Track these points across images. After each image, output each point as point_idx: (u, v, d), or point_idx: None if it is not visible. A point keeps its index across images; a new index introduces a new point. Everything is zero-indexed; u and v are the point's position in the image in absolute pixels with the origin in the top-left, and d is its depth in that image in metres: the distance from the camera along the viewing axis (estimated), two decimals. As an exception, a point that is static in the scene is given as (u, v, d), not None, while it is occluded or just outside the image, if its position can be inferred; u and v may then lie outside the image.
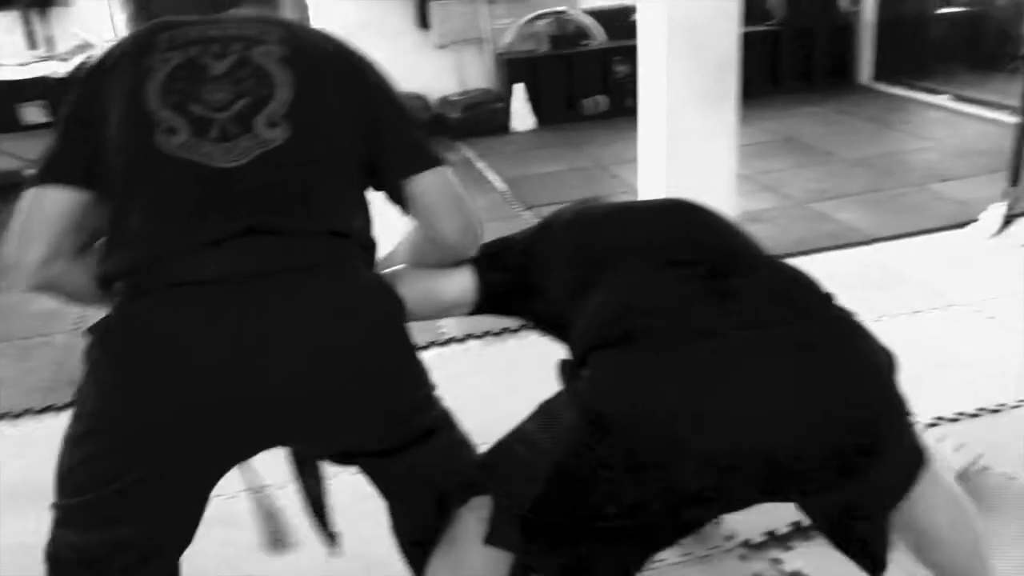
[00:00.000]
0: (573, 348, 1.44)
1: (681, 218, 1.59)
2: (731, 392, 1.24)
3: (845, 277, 3.44)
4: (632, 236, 1.52)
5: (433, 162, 1.45)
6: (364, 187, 1.45)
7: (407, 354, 1.38)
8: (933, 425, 2.48)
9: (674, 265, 1.41)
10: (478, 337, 3.21)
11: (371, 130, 1.42)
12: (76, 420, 1.29)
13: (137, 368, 1.22)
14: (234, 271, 1.24)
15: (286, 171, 1.32)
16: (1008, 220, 3.80)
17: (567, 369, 1.41)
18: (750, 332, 1.28)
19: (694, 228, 1.55)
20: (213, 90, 1.33)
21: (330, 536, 1.55)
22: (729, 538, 2.08)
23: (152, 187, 1.30)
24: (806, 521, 2.00)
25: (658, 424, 1.24)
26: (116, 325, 1.25)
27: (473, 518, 1.37)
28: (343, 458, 1.46)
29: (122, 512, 1.27)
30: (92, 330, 1.27)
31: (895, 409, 1.34)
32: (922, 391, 2.60)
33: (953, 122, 5.91)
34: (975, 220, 3.93)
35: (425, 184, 1.43)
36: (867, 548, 1.40)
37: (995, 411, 2.54)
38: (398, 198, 1.45)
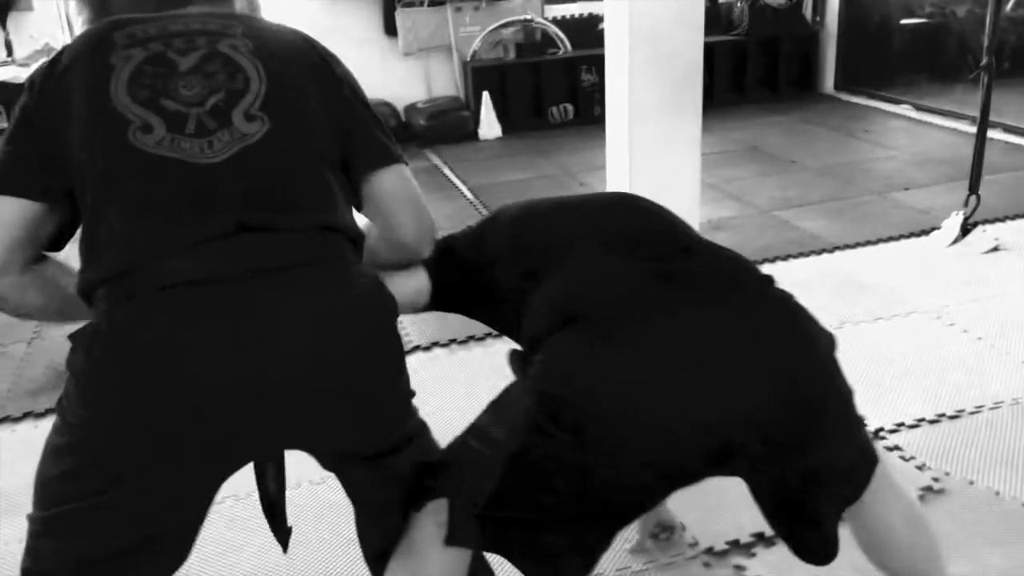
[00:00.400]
0: (524, 339, 1.44)
1: (624, 209, 1.62)
2: (678, 367, 1.25)
3: (808, 284, 3.49)
4: (576, 227, 1.53)
5: (395, 159, 1.43)
6: (344, 180, 1.40)
7: (399, 355, 1.35)
8: (894, 431, 2.51)
9: (618, 250, 1.43)
10: (444, 346, 3.20)
11: (342, 123, 1.39)
12: (62, 429, 1.23)
13: (133, 374, 1.17)
14: (227, 270, 1.20)
15: (271, 166, 1.29)
16: (967, 228, 3.86)
17: (517, 359, 1.41)
18: (695, 310, 1.30)
19: (636, 217, 1.58)
20: (184, 85, 1.29)
21: (284, 537, 1.52)
22: (693, 545, 2.08)
23: (131, 187, 1.24)
24: (769, 530, 2.02)
25: (608, 401, 1.24)
26: (106, 332, 1.19)
27: (430, 522, 1.36)
28: (331, 461, 1.42)
29: (116, 523, 1.22)
30: (77, 337, 1.21)
31: (840, 389, 1.35)
32: (883, 397, 2.66)
33: (915, 131, 6.00)
34: (936, 228, 3.99)
35: (386, 181, 1.41)
36: (816, 535, 1.40)
37: (954, 417, 2.56)
38: (357, 194, 1.43)
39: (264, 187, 1.27)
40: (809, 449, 1.31)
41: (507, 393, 1.39)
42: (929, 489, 2.24)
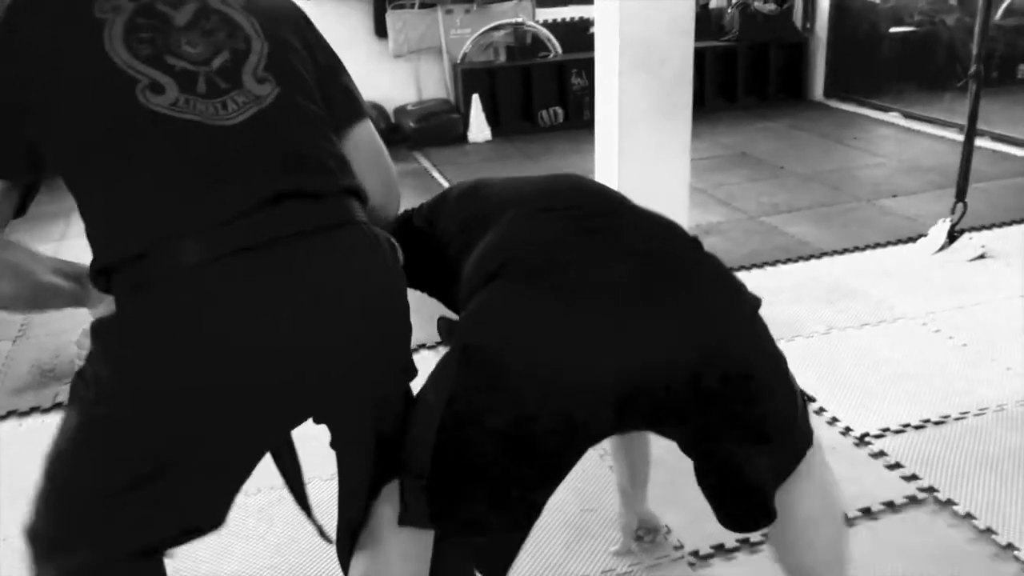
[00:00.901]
0: (459, 307, 1.44)
1: (565, 182, 1.63)
2: (596, 315, 1.24)
3: (795, 290, 3.49)
4: (515, 198, 1.54)
5: (365, 113, 1.41)
6: (336, 138, 1.37)
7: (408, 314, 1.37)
8: (879, 436, 2.52)
9: (546, 211, 1.44)
10: (430, 348, 3.20)
11: (322, 80, 1.36)
12: (95, 419, 1.18)
13: (197, 347, 1.13)
14: (271, 236, 1.16)
15: (289, 129, 1.25)
16: (954, 235, 3.88)
17: (445, 324, 1.41)
18: (616, 263, 1.30)
19: (571, 186, 1.59)
20: (188, 42, 1.22)
21: (317, 526, 1.50)
22: (678, 548, 2.09)
23: (152, 152, 1.16)
24: (754, 535, 2.03)
25: (523, 350, 1.24)
26: (164, 308, 1.12)
27: (387, 506, 1.35)
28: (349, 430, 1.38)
29: (166, 507, 1.20)
30: (114, 326, 1.16)
31: (763, 346, 1.34)
32: (869, 403, 2.68)
33: (903, 139, 6.03)
34: (923, 235, 4.01)
35: (358, 137, 1.39)
36: (753, 499, 1.38)
37: (939, 423, 2.57)
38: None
39: (289, 151, 1.24)
40: (739, 403, 1.29)
41: (442, 357, 1.38)
42: (913, 499, 2.24)
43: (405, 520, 1.33)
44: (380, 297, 1.27)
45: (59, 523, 1.23)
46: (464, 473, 1.30)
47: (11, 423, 2.83)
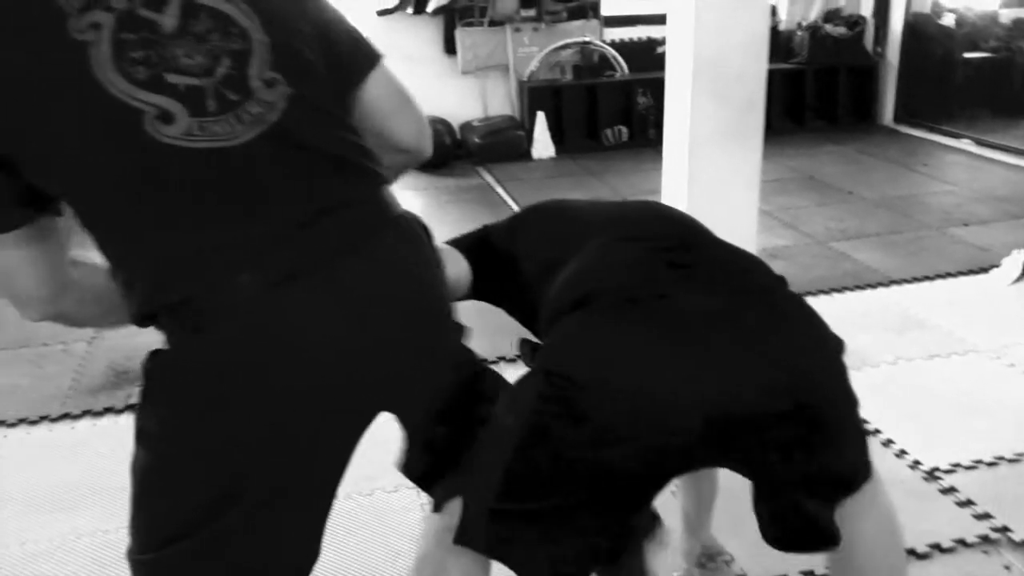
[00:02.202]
0: (541, 329, 1.45)
1: (647, 210, 1.63)
2: (683, 349, 1.24)
3: (863, 318, 3.44)
4: (598, 223, 1.55)
5: (377, 56, 1.30)
6: (355, 124, 1.28)
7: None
8: (949, 472, 2.46)
9: (632, 240, 1.44)
10: (493, 363, 3.22)
11: (328, 39, 1.23)
12: (165, 457, 1.16)
13: (266, 375, 1.12)
14: (317, 259, 1.13)
15: (309, 133, 1.16)
16: (1029, 267, 3.79)
17: (527, 347, 1.42)
18: (704, 297, 1.30)
19: (656, 215, 1.59)
20: (183, 54, 1.07)
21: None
22: (741, 577, 2.07)
23: (175, 194, 1.08)
24: (819, 568, 2.00)
25: (610, 380, 1.23)
26: (224, 351, 1.10)
27: (444, 523, 1.36)
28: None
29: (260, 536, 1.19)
30: (173, 368, 1.13)
31: (847, 390, 1.33)
32: (939, 437, 2.62)
33: (974, 166, 5.90)
34: (995, 265, 3.92)
35: (376, 86, 1.28)
36: (814, 527, 1.36)
37: (1014, 460, 2.51)
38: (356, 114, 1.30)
39: (314, 159, 1.16)
40: (814, 445, 1.28)
41: (519, 381, 1.38)
42: (985, 538, 2.19)
43: (460, 539, 1.33)
44: (429, 294, 1.29)
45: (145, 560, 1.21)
46: (530, 503, 1.29)
47: (86, 422, 2.92)
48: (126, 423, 2.88)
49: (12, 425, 2.90)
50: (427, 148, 1.39)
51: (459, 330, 1.38)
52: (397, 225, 1.27)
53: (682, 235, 1.50)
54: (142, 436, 1.19)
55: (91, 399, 3.06)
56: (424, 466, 1.40)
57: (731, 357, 1.24)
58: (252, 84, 1.11)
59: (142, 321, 1.16)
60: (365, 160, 1.24)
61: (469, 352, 1.41)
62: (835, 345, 1.34)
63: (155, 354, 1.17)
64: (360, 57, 1.28)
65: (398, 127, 1.32)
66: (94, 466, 2.62)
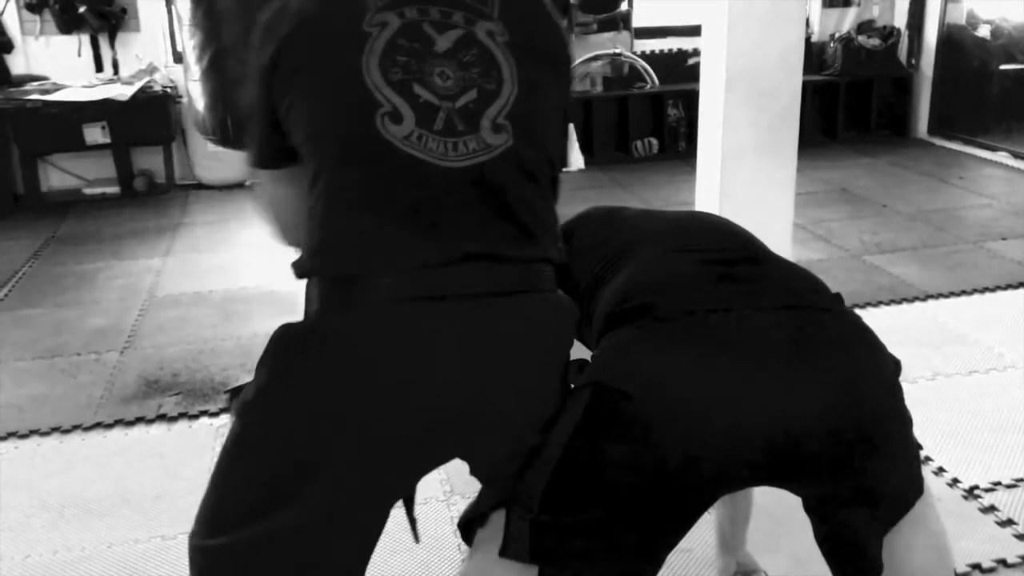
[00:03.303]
0: (591, 339, 1.43)
1: (699, 220, 1.62)
2: (737, 366, 1.22)
3: (899, 333, 3.40)
4: (650, 232, 1.53)
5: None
6: (557, 191, 1.38)
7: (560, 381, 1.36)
8: (989, 490, 2.41)
9: (686, 252, 1.42)
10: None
11: (566, 115, 1.37)
12: (270, 429, 1.21)
13: (370, 377, 1.17)
14: (450, 292, 1.19)
15: (506, 186, 1.24)
16: (1069, 282, 3.72)
17: (575, 365, 1.40)
18: (759, 312, 1.27)
19: (710, 227, 1.58)
20: (440, 73, 1.22)
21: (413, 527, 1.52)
22: (776, 596, 2.03)
23: (372, 181, 1.20)
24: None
25: (663, 392, 1.21)
26: (338, 334, 1.19)
27: (489, 537, 1.34)
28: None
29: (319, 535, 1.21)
30: (306, 333, 1.21)
31: (903, 411, 1.31)
32: (977, 455, 2.57)
33: (1012, 180, 5.82)
34: (1034, 281, 3.86)
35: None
36: (861, 556, 1.33)
37: (1055, 479, 2.46)
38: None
39: (499, 210, 1.24)
40: (867, 466, 1.26)
41: (567, 399, 1.36)
42: (1028, 555, 2.14)
43: (505, 552, 1.31)
44: (550, 360, 1.29)
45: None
46: (575, 516, 1.27)
47: (118, 432, 2.93)
48: (157, 433, 2.90)
49: (45, 434, 2.92)
50: None
51: (560, 398, 1.34)
52: (547, 294, 1.30)
53: (737, 248, 1.48)
54: (251, 402, 1.22)
55: (123, 408, 3.08)
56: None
57: (789, 375, 1.21)
58: (482, 123, 1.22)
59: (307, 272, 1.25)
60: (542, 232, 1.29)
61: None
62: (892, 365, 1.31)
63: (288, 325, 1.24)
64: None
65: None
66: (126, 476, 2.63)
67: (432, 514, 2.33)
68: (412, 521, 1.49)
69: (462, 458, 1.34)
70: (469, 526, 1.42)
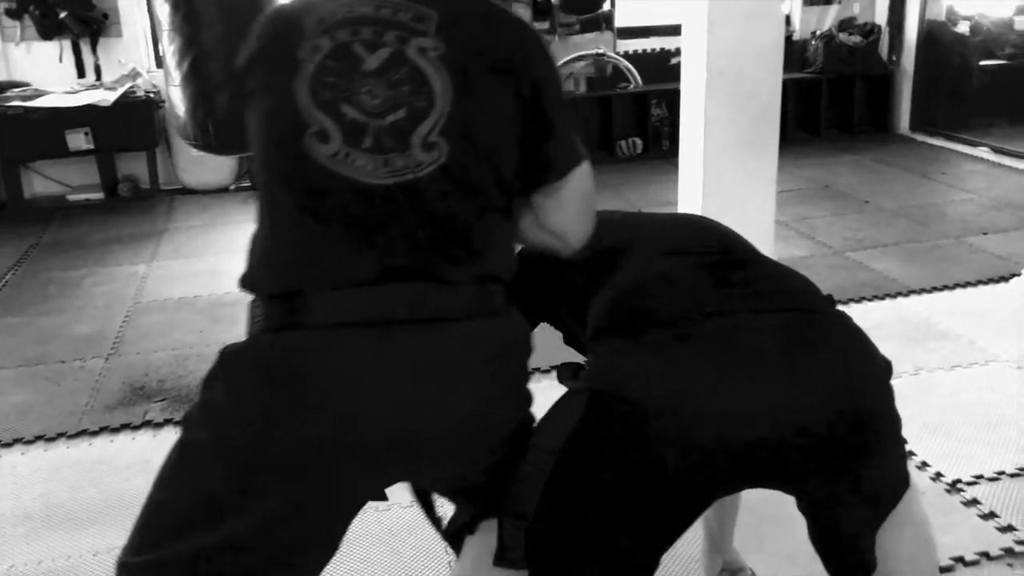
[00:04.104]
0: (583, 344, 1.43)
1: (690, 223, 1.63)
2: (735, 369, 1.22)
3: (882, 328, 3.41)
4: (641, 235, 1.54)
5: (580, 159, 1.34)
6: (513, 201, 1.32)
7: (524, 401, 1.35)
8: (972, 483, 2.43)
9: (679, 254, 1.42)
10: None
11: (531, 134, 1.29)
12: (201, 445, 1.20)
13: (299, 400, 1.16)
14: (384, 317, 1.18)
15: (440, 204, 1.22)
16: (1050, 276, 3.75)
17: (568, 371, 1.40)
18: (755, 315, 1.28)
19: (701, 229, 1.58)
20: (367, 91, 1.22)
21: (438, 526, 1.50)
22: (762, 592, 2.05)
23: (300, 200, 1.22)
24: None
25: (665, 399, 1.21)
26: (274, 355, 1.18)
27: (481, 545, 1.34)
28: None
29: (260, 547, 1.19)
30: (238, 354, 1.21)
31: (891, 411, 1.32)
32: (961, 448, 2.59)
33: (992, 174, 5.86)
34: (1016, 274, 3.89)
35: (569, 188, 1.33)
36: (854, 552, 1.35)
37: (1037, 471, 2.48)
38: (531, 200, 1.35)
39: (436, 229, 1.22)
40: (861, 467, 1.27)
41: (556, 404, 1.36)
42: (1009, 551, 2.16)
43: (500, 561, 1.31)
44: (470, 395, 1.24)
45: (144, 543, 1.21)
46: (571, 523, 1.27)
47: (103, 439, 2.91)
48: (143, 440, 2.89)
49: (30, 442, 2.91)
50: (581, 245, 1.41)
51: (516, 437, 1.33)
52: (491, 320, 1.27)
53: (728, 250, 1.48)
54: (192, 419, 1.23)
55: (108, 416, 3.06)
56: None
57: (786, 378, 1.22)
58: (412, 140, 1.21)
59: (247, 286, 1.26)
60: (486, 249, 1.27)
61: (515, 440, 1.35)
62: (883, 366, 1.33)
63: (232, 346, 1.24)
64: (556, 165, 1.33)
65: (572, 232, 1.37)
66: (111, 483, 2.62)
67: (419, 518, 2.32)
68: (433, 521, 1.49)
69: (411, 482, 1.34)
70: (458, 535, 1.42)
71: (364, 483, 1.26)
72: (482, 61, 1.26)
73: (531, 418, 1.37)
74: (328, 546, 1.28)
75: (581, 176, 1.35)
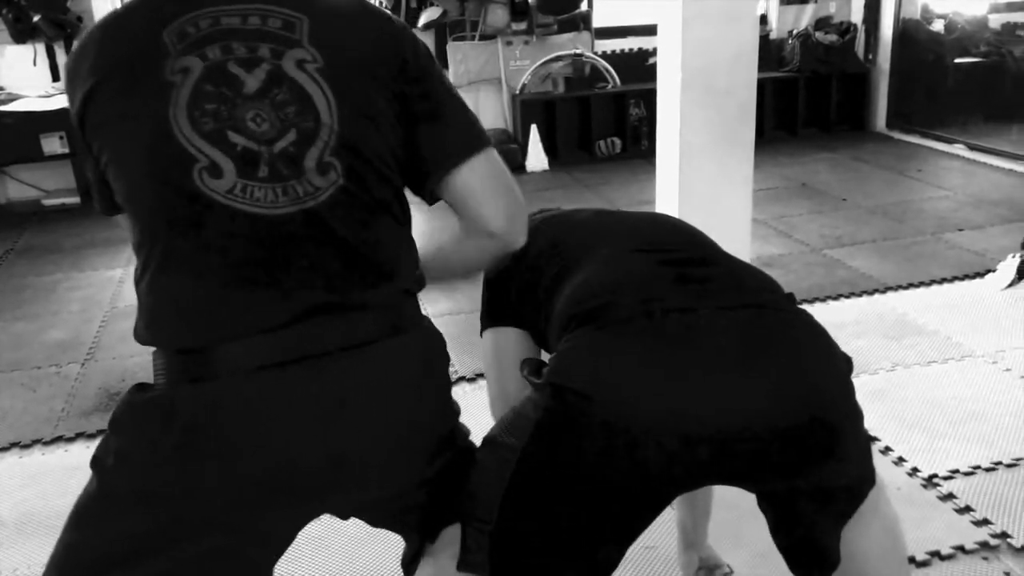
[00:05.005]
0: (550, 342, 1.43)
1: (657, 221, 1.62)
2: (696, 365, 1.22)
3: (859, 325, 3.44)
4: (607, 232, 1.53)
5: (481, 145, 1.29)
6: (408, 213, 1.30)
7: (450, 412, 1.36)
8: (948, 478, 2.45)
9: (643, 252, 1.42)
10: (470, 380, 3.20)
11: (420, 127, 1.25)
12: (115, 493, 1.15)
13: (218, 449, 1.13)
14: (304, 353, 1.14)
15: (345, 228, 1.18)
16: (1024, 271, 3.79)
17: (532, 365, 1.39)
18: (715, 312, 1.28)
19: (666, 227, 1.58)
20: (253, 117, 1.13)
21: None
22: (740, 589, 2.05)
23: (202, 243, 1.13)
24: None
25: (620, 394, 1.21)
26: (192, 407, 1.13)
27: (448, 551, 1.33)
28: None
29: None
30: (148, 406, 1.15)
31: (853, 407, 1.32)
32: (937, 443, 2.61)
33: (968, 171, 5.91)
34: (991, 270, 3.92)
35: (472, 173, 1.28)
36: (815, 549, 1.36)
37: (1012, 465, 2.50)
38: (432, 195, 1.31)
39: (340, 257, 1.18)
40: (823, 464, 1.27)
41: (521, 402, 1.36)
42: (985, 544, 2.18)
43: (463, 567, 1.31)
44: (416, 409, 1.25)
45: None
46: (535, 522, 1.27)
47: (79, 446, 2.89)
48: (120, 445, 2.86)
49: (4, 449, 2.88)
50: (518, 237, 1.36)
51: (445, 448, 1.33)
52: (409, 336, 1.25)
53: (692, 248, 1.48)
54: (106, 467, 1.17)
55: (84, 422, 3.04)
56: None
57: (745, 375, 1.22)
58: (306, 164, 1.15)
59: (148, 343, 1.19)
60: (397, 266, 1.25)
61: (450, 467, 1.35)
62: (844, 362, 1.33)
63: (141, 388, 1.19)
64: (452, 151, 1.27)
65: (488, 212, 1.30)
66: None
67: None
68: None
69: (347, 514, 1.33)
70: (412, 564, 1.41)
71: (299, 519, 1.25)
72: (358, 66, 1.20)
73: (459, 428, 1.38)
74: None
75: (486, 160, 1.30)
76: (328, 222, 1.17)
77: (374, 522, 1.41)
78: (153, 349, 1.20)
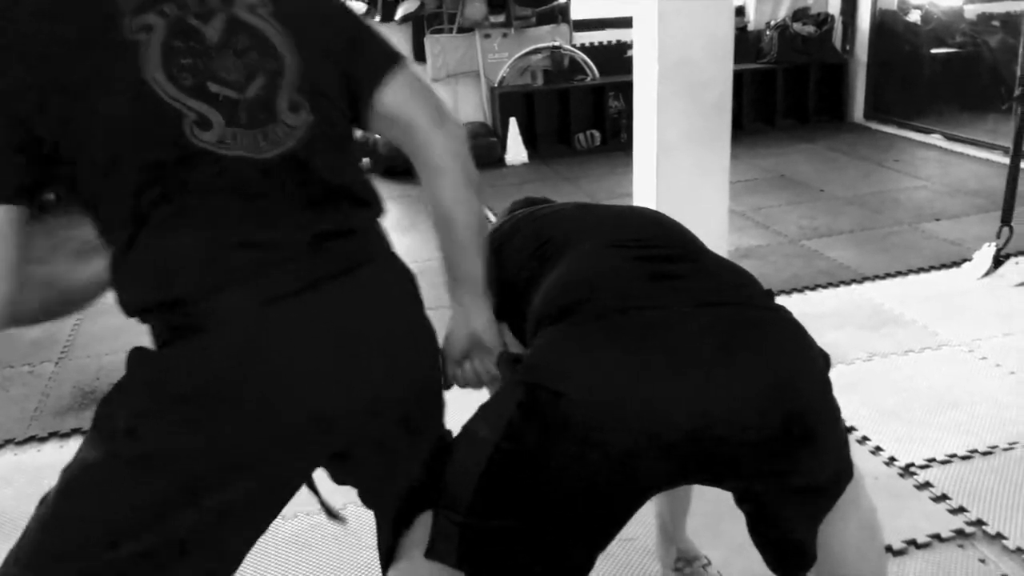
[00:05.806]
0: (526, 336, 1.43)
1: (637, 215, 1.62)
2: (669, 364, 1.21)
3: (836, 315, 3.45)
4: (588, 227, 1.53)
5: (391, 65, 1.32)
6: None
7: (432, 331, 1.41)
8: (924, 467, 2.46)
9: (621, 247, 1.42)
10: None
11: (349, 55, 1.29)
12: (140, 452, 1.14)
13: (249, 386, 1.14)
14: (310, 281, 1.18)
15: (322, 162, 1.22)
16: (1000, 260, 3.81)
17: (507, 360, 1.39)
18: (692, 309, 1.27)
19: (646, 221, 1.57)
20: (223, 67, 1.15)
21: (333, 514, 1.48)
22: (718, 581, 2.05)
23: (201, 196, 1.14)
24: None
25: (598, 394, 1.20)
26: (212, 355, 1.13)
27: (417, 537, 1.33)
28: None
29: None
30: (161, 363, 1.16)
31: (830, 404, 1.33)
32: (913, 432, 2.62)
33: (945, 161, 5.94)
34: (967, 259, 3.94)
35: (396, 90, 1.31)
36: (792, 545, 1.37)
37: (987, 453, 2.51)
38: (367, 115, 1.33)
39: (324, 187, 1.23)
40: (800, 461, 1.27)
41: (496, 393, 1.36)
42: (960, 532, 2.19)
43: (431, 554, 1.30)
44: (405, 331, 1.32)
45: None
46: (505, 517, 1.26)
47: (52, 445, 2.86)
48: (94, 444, 2.83)
49: (-23, 450, 2.85)
50: (452, 124, 1.37)
51: (430, 363, 1.39)
52: (386, 258, 1.33)
53: (670, 243, 1.47)
54: (103, 429, 1.17)
55: (58, 421, 3.01)
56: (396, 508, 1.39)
57: (721, 372, 1.21)
58: (279, 106, 1.19)
59: (133, 314, 1.19)
60: (366, 192, 1.31)
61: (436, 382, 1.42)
62: (820, 358, 1.32)
63: (139, 350, 1.19)
64: (375, 69, 1.31)
65: (420, 126, 1.33)
66: (61, 489, 2.57)
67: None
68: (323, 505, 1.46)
69: (351, 452, 1.31)
70: (388, 558, 1.41)
71: (315, 454, 1.28)
72: (306, 6, 1.27)
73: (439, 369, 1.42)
74: (263, 527, 1.27)
75: (404, 71, 1.33)
76: (306, 158, 1.21)
77: (349, 472, 1.39)
78: (140, 327, 1.21)
